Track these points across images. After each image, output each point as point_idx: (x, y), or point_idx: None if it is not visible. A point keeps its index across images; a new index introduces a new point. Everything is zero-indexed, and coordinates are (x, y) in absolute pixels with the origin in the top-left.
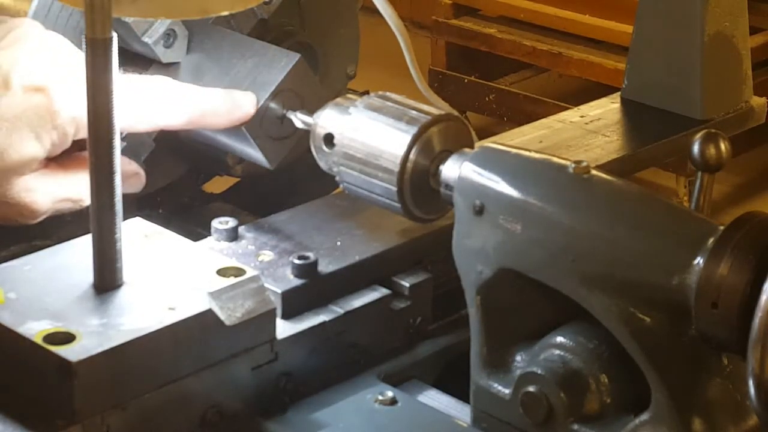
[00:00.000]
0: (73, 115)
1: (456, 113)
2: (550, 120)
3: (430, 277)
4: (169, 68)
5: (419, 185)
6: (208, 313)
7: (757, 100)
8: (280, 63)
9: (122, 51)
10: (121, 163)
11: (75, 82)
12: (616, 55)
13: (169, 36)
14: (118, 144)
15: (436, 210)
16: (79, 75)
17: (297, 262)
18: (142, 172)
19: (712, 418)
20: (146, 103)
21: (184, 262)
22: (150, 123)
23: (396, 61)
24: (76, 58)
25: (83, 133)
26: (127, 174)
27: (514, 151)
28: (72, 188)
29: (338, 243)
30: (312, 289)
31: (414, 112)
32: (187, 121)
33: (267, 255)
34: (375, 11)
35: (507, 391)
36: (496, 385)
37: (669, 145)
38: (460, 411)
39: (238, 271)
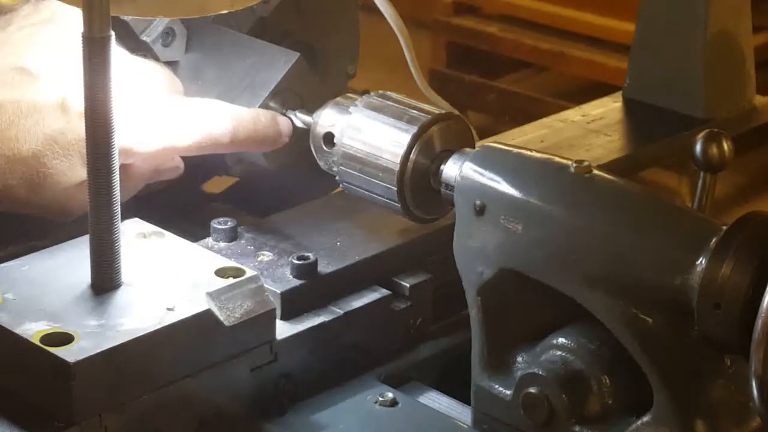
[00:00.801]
0: (123, 146)
1: (456, 112)
2: (552, 119)
3: (430, 278)
4: (167, 67)
5: (419, 185)
6: (207, 314)
7: (760, 100)
8: (280, 62)
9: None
10: (167, 157)
11: (126, 112)
12: (618, 53)
13: (168, 35)
14: (117, 144)
15: (436, 210)
16: (130, 100)
17: (296, 262)
18: (181, 165)
19: (715, 419)
20: (206, 128)
21: (183, 262)
22: (207, 148)
23: (396, 60)
24: (126, 75)
25: (132, 159)
26: (171, 167)
27: (515, 150)
28: None
29: (338, 243)
30: (311, 290)
31: (414, 111)
32: (241, 147)
33: (266, 255)
34: (375, 10)
35: (508, 392)
36: (497, 386)
37: (671, 145)
38: (460, 412)
39: (238, 272)
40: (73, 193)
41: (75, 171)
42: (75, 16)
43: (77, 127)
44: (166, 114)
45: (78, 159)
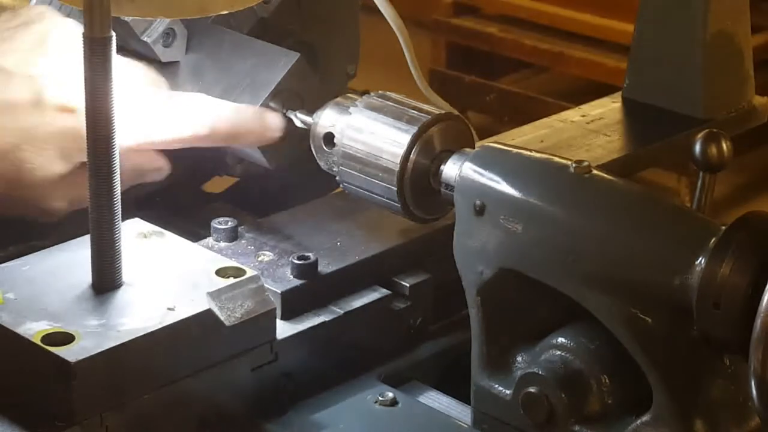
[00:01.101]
0: None
1: (456, 113)
2: (551, 119)
3: (430, 277)
4: (168, 68)
5: (419, 185)
6: (208, 314)
7: (759, 100)
8: (280, 62)
9: (121, 50)
10: (148, 158)
11: None
12: (617, 54)
13: (168, 35)
14: (117, 144)
15: (436, 210)
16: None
17: (297, 262)
18: (166, 166)
19: (714, 419)
20: (184, 122)
21: (184, 262)
22: (186, 141)
23: (396, 60)
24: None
25: None
26: (153, 168)
27: (515, 150)
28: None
29: (338, 243)
30: (312, 290)
31: (414, 111)
32: (222, 141)
33: (267, 255)
34: (375, 10)
35: (508, 391)
36: (496, 385)
37: (670, 145)
38: (460, 412)
39: (238, 271)
40: (52, 189)
41: (53, 165)
42: (52, 20)
43: (53, 122)
44: (142, 108)
45: (56, 153)
